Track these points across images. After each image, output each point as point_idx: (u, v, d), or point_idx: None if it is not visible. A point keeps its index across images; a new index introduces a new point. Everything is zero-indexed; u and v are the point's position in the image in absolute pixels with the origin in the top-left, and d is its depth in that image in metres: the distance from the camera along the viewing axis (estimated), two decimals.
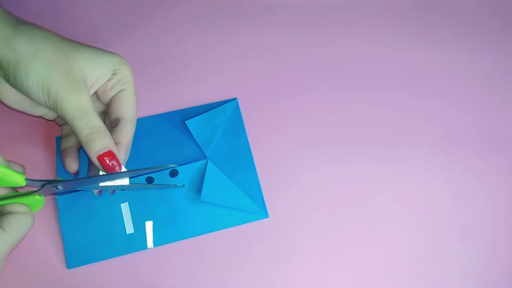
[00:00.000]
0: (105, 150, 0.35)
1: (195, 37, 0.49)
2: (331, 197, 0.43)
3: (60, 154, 0.42)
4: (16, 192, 0.35)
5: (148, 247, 0.41)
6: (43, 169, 0.44)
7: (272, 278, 0.41)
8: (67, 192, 0.42)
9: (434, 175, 0.44)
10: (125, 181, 0.37)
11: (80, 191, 0.42)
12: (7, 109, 0.41)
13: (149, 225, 0.41)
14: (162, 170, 0.42)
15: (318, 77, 0.48)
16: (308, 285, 0.41)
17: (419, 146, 0.45)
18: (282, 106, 0.47)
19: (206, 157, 0.43)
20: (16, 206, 0.34)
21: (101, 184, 0.36)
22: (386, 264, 0.41)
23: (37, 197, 0.35)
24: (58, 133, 0.44)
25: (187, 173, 0.43)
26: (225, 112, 0.45)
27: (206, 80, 0.47)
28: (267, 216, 0.42)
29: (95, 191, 0.40)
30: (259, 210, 0.42)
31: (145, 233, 0.41)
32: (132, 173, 0.36)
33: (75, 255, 0.40)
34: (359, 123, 0.46)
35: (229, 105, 0.46)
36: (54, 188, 0.35)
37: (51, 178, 0.43)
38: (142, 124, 0.45)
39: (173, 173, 0.42)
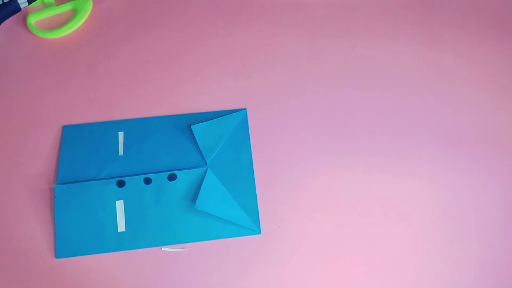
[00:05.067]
0: None
1: (196, 38, 0.49)
2: (332, 214, 0.43)
3: (63, 143, 0.42)
4: None
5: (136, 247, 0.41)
6: (45, 158, 0.44)
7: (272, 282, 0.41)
8: (65, 182, 0.42)
9: (434, 175, 0.44)
10: None
11: (79, 183, 0.42)
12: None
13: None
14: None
15: (320, 82, 0.48)
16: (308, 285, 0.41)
17: (419, 146, 0.45)
18: (289, 118, 0.46)
19: (206, 164, 0.43)
20: None
21: None
22: (387, 264, 0.41)
23: None
24: (65, 122, 0.45)
25: (185, 178, 0.43)
26: (233, 121, 0.45)
27: (207, 82, 0.47)
28: (260, 232, 0.42)
29: None
30: (252, 225, 0.42)
31: (136, 233, 0.41)
32: None
33: (65, 246, 0.41)
34: (362, 128, 0.46)
35: (238, 114, 0.45)
36: None
37: (51, 169, 0.44)
38: (147, 124, 0.45)
39: (172, 177, 0.42)
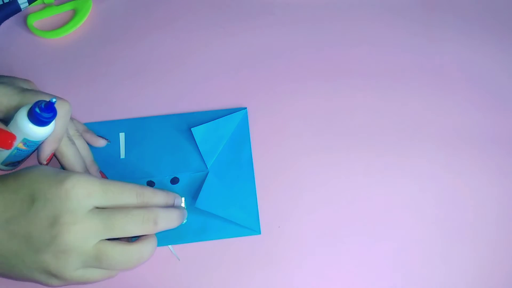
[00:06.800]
0: None
1: (196, 38, 0.50)
2: (332, 215, 0.43)
3: None
4: None
5: None
6: None
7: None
8: None
9: (433, 176, 0.45)
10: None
11: None
12: None
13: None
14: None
15: (320, 78, 0.48)
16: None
17: (420, 146, 0.46)
18: (287, 115, 0.47)
19: (207, 168, 0.44)
20: None
21: None
22: (387, 264, 0.42)
23: None
24: None
25: (187, 181, 0.43)
26: (233, 122, 0.45)
27: (207, 81, 0.48)
28: (260, 233, 0.42)
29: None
30: (252, 225, 0.42)
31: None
32: None
33: None
34: (362, 128, 0.46)
35: (238, 114, 0.46)
36: None
37: None
38: (147, 123, 0.45)
39: (174, 180, 0.43)
